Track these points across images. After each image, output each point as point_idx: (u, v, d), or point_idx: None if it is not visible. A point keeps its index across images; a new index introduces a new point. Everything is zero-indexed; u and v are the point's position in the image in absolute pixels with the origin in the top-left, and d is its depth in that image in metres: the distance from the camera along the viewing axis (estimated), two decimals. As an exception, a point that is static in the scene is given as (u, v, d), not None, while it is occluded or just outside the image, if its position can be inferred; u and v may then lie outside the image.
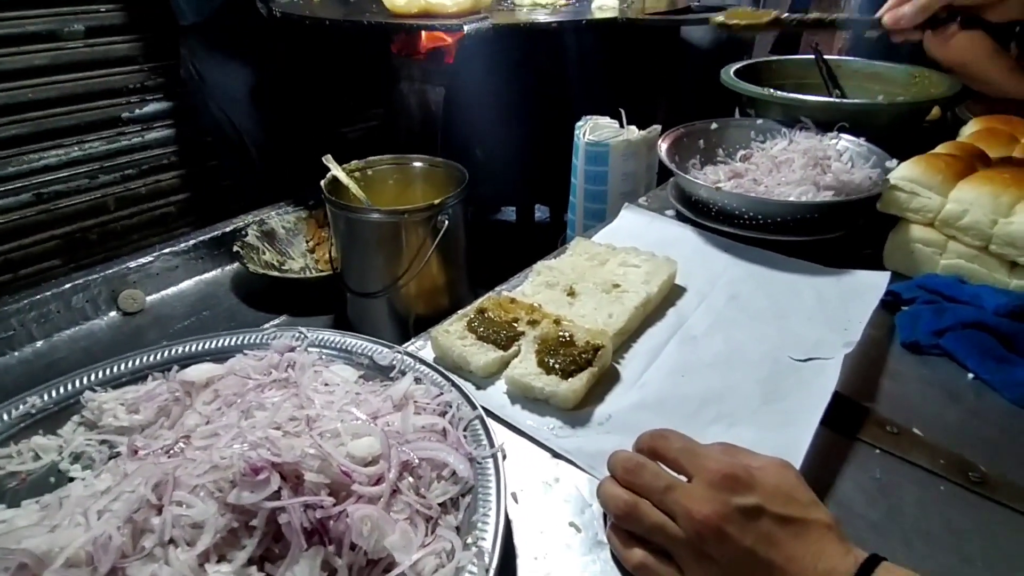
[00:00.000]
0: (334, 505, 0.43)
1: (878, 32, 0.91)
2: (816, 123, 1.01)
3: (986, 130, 0.92)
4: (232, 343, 0.65)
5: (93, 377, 0.60)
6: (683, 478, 0.45)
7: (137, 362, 0.62)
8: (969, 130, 0.96)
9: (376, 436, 0.48)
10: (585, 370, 0.62)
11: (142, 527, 0.41)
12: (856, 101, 1.04)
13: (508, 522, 0.47)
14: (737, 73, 1.16)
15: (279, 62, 1.93)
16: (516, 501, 0.53)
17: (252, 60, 1.88)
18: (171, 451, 0.48)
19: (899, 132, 1.01)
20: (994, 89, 1.03)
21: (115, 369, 0.61)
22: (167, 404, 0.57)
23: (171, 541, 0.40)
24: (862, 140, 0.96)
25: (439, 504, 0.47)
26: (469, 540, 0.44)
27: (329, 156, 1.43)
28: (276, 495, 0.41)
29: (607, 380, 0.65)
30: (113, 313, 1.61)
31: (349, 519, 0.42)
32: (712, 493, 0.42)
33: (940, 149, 0.86)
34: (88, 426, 0.57)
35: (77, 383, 0.59)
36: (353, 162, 1.50)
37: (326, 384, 0.57)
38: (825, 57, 1.24)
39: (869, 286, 0.76)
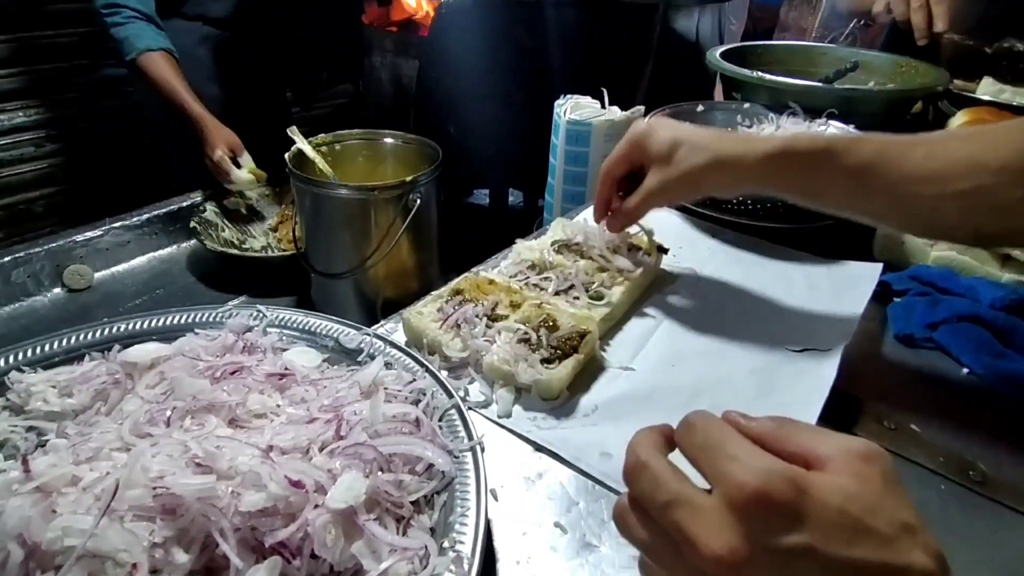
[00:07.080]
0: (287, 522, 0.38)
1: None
2: (804, 109, 0.99)
3: (976, 121, 0.91)
4: (182, 321, 0.58)
5: (21, 356, 0.53)
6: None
7: (73, 340, 0.55)
8: (958, 121, 0.94)
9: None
10: (570, 357, 0.57)
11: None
12: (846, 86, 1.02)
13: (488, 523, 0.42)
14: (723, 56, 1.12)
15: (241, 29, 1.83)
16: (496, 499, 0.48)
17: (210, 28, 1.77)
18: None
19: (887, 121, 0.99)
20: None
21: (47, 347, 0.54)
22: (105, 387, 0.50)
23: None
24: (851, 127, 0.94)
25: (411, 502, 0.43)
26: (445, 543, 0.39)
27: (294, 128, 1.35)
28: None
29: (593, 368, 0.61)
30: (57, 290, 1.50)
31: (310, 527, 0.37)
32: (733, 520, 0.27)
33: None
34: (13, 411, 0.50)
35: (2, 362, 0.52)
36: (320, 136, 1.43)
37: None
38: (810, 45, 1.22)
39: (861, 277, 0.73)
